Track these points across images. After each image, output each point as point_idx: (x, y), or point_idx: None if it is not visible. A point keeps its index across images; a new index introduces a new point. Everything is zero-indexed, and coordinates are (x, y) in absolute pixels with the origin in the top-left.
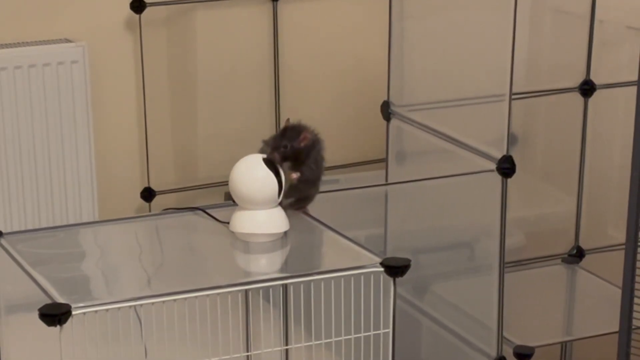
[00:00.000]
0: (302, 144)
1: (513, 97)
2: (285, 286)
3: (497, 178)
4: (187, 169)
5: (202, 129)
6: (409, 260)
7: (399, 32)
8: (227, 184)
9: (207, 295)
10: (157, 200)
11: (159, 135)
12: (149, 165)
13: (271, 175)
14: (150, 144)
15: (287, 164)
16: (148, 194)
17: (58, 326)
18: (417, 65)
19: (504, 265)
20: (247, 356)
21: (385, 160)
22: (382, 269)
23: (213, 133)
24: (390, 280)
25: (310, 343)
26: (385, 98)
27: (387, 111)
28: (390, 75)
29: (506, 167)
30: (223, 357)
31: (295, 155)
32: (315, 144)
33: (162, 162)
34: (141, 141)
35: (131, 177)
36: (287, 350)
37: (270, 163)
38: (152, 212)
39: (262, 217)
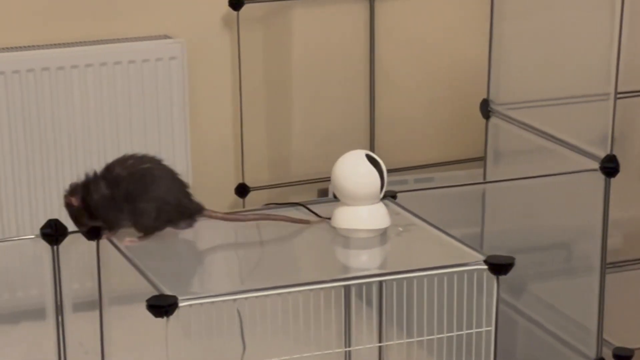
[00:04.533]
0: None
1: (617, 96)
2: (383, 283)
3: (600, 177)
4: (280, 166)
5: (296, 126)
6: (513, 259)
7: (499, 31)
8: (321, 181)
9: (311, 290)
10: (250, 196)
11: (254, 132)
12: (243, 161)
13: (374, 171)
14: (245, 140)
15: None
16: (242, 190)
17: (165, 317)
18: (517, 63)
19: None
20: (344, 352)
21: (483, 158)
22: (485, 267)
23: (307, 131)
24: (493, 278)
25: (412, 340)
26: (484, 96)
27: (486, 109)
28: (490, 74)
29: (610, 167)
30: (319, 353)
31: (84, 215)
32: (89, 194)
33: (257, 158)
34: (236, 138)
35: (226, 173)
36: (381, 347)
37: (372, 159)
38: (254, 207)
39: (364, 213)
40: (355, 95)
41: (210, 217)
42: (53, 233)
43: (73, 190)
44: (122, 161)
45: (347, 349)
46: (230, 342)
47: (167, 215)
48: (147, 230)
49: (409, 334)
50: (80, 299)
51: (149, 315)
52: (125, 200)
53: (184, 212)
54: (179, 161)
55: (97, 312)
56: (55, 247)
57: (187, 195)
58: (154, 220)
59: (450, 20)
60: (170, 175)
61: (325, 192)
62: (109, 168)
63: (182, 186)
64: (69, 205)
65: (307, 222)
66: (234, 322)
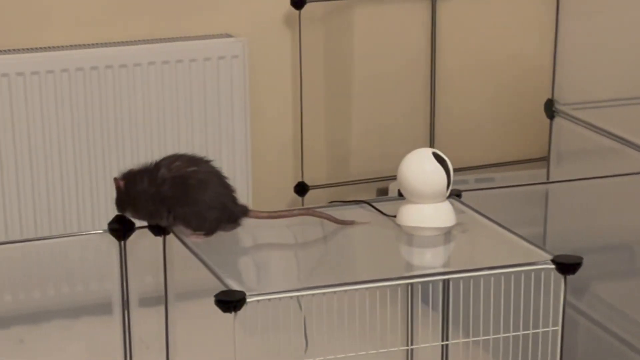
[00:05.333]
0: (119, 190)
1: None
2: (447, 282)
3: None
4: (340, 165)
5: (356, 125)
6: (581, 258)
7: (565, 29)
8: (380, 180)
9: (377, 287)
10: (309, 195)
11: (314, 131)
12: (303, 160)
13: (440, 169)
14: (305, 139)
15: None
16: (301, 189)
17: (232, 313)
18: (582, 63)
19: None
20: (407, 351)
21: (543, 159)
22: (553, 266)
23: (367, 130)
24: (560, 277)
25: (478, 339)
26: (547, 96)
27: (550, 109)
28: (555, 73)
29: None
30: (384, 350)
31: (126, 202)
32: (136, 181)
33: (316, 157)
34: (296, 136)
35: (285, 171)
36: (445, 346)
37: (439, 157)
38: (319, 205)
39: (430, 211)
40: (415, 95)
41: (257, 217)
42: (120, 228)
43: (125, 175)
44: (170, 162)
45: (411, 347)
46: (293, 339)
47: (213, 218)
48: (205, 229)
49: (469, 334)
50: (142, 294)
51: (212, 311)
52: (163, 202)
53: (229, 216)
54: (238, 159)
55: (159, 308)
56: (122, 242)
57: (232, 199)
58: (200, 224)
59: (513, 18)
60: (216, 179)
61: (384, 191)
62: (157, 165)
63: (227, 189)
64: (117, 187)
65: (351, 222)
66: (297, 318)
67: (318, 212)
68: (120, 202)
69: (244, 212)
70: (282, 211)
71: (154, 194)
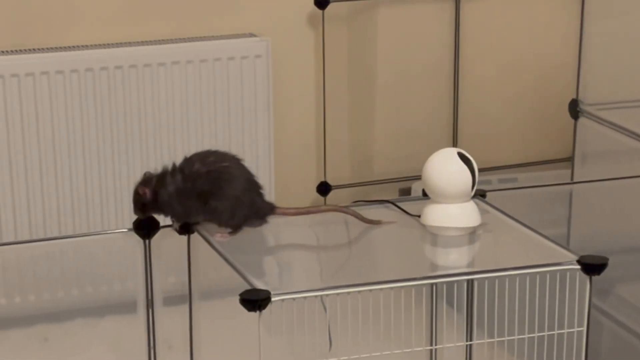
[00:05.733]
0: (146, 198)
1: None
2: (471, 282)
3: None
4: (362, 165)
5: (379, 125)
6: (607, 259)
7: (590, 30)
8: (402, 180)
9: (401, 287)
10: (332, 194)
11: (337, 131)
12: (325, 159)
13: (465, 169)
14: (328, 138)
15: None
16: (324, 188)
17: (257, 312)
18: (608, 63)
19: None
20: (431, 350)
21: (566, 159)
22: (578, 267)
23: (390, 130)
24: (586, 278)
25: (502, 339)
26: (570, 96)
27: (575, 109)
28: (580, 74)
29: None
30: (408, 350)
31: (154, 207)
32: (162, 187)
33: (339, 157)
34: (319, 136)
35: (308, 171)
36: (469, 346)
37: (464, 157)
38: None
39: (455, 211)
40: (439, 95)
41: (284, 214)
42: (145, 227)
43: (146, 181)
44: (203, 157)
45: (435, 347)
46: (317, 338)
47: (241, 214)
48: (232, 226)
49: (493, 334)
50: (166, 293)
51: (236, 310)
52: (199, 196)
53: (257, 212)
54: (262, 158)
55: (183, 307)
56: (147, 241)
57: (261, 196)
58: (230, 218)
59: (537, 18)
60: (247, 176)
61: (406, 191)
62: (189, 161)
63: (256, 187)
64: (137, 194)
65: (378, 222)
66: (321, 318)
67: (345, 208)
68: (145, 208)
69: (271, 208)
70: (309, 207)
71: (189, 189)
